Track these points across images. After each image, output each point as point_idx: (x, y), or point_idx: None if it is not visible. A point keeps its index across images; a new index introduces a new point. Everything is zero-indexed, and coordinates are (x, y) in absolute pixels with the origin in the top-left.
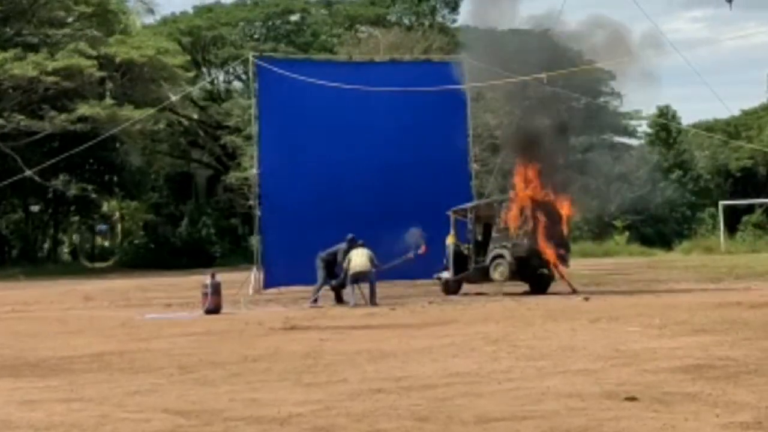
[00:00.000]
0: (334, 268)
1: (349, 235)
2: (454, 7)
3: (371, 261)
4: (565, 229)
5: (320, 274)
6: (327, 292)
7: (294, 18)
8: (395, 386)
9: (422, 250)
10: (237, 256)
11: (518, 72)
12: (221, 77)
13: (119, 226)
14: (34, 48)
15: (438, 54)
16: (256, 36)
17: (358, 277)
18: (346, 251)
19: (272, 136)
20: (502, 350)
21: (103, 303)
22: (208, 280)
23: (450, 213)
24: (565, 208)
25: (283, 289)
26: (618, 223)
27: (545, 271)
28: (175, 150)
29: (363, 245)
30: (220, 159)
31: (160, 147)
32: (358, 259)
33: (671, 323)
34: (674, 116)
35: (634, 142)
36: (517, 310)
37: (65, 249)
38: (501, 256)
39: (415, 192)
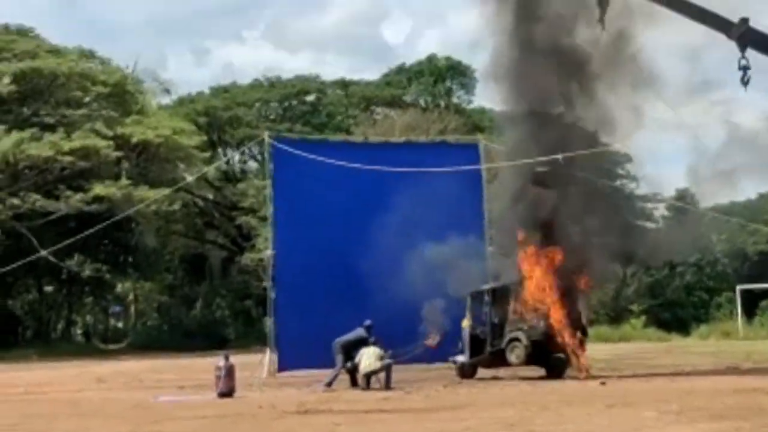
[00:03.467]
0: (351, 353)
1: (367, 322)
2: (470, 89)
3: (381, 359)
4: (583, 313)
5: (338, 359)
6: (342, 375)
7: (310, 98)
8: None
9: (434, 341)
10: (251, 337)
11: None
12: (237, 157)
13: (133, 307)
14: (50, 128)
15: (454, 135)
16: (272, 116)
17: (370, 377)
18: (364, 340)
19: (287, 216)
20: None
21: (116, 385)
22: (221, 362)
23: (466, 295)
24: (581, 291)
25: (297, 372)
26: (634, 308)
27: (561, 355)
28: (190, 230)
29: (375, 343)
30: (234, 240)
31: (175, 227)
32: (368, 360)
33: (688, 409)
34: (693, 199)
35: (651, 225)
36: (533, 394)
37: (78, 330)
38: (517, 339)
39: (431, 275)
